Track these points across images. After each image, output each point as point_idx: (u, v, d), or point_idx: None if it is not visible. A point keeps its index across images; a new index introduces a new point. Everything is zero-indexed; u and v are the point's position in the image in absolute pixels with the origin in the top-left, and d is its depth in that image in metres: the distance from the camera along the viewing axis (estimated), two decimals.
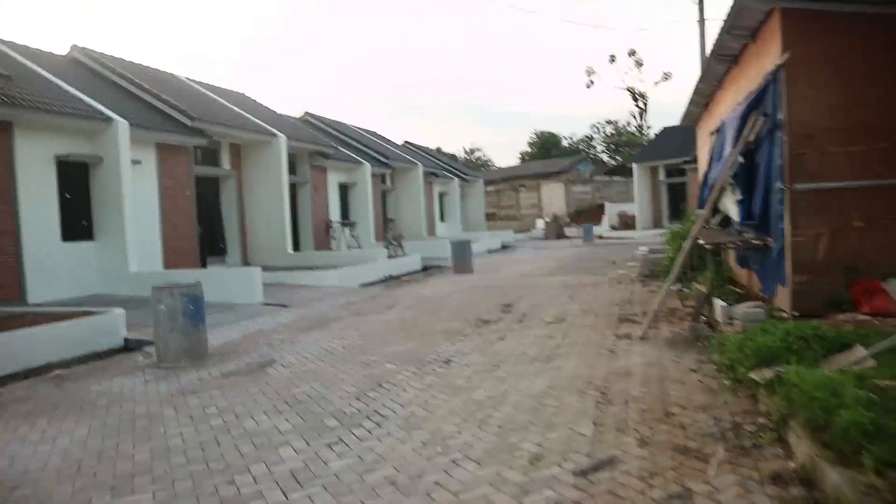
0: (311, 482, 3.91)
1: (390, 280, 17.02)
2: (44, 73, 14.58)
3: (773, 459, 3.68)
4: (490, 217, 46.40)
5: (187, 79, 21.49)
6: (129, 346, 9.01)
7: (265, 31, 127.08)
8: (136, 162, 14.52)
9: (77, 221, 13.71)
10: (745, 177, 7.60)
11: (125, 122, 13.87)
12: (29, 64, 14.79)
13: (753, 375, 4.63)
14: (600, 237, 32.73)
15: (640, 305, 9.83)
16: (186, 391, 6.31)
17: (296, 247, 21.46)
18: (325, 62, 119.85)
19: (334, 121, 30.24)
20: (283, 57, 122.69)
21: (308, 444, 4.58)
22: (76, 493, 3.99)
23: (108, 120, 13.66)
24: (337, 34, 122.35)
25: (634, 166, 36.64)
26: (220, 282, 12.89)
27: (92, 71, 17.52)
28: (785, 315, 6.28)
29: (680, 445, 4.02)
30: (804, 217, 6.37)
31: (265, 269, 17.50)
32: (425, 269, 19.96)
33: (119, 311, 9.21)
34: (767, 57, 7.07)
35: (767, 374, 4.49)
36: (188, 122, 16.17)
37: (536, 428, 4.57)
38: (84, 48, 17.89)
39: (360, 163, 25.60)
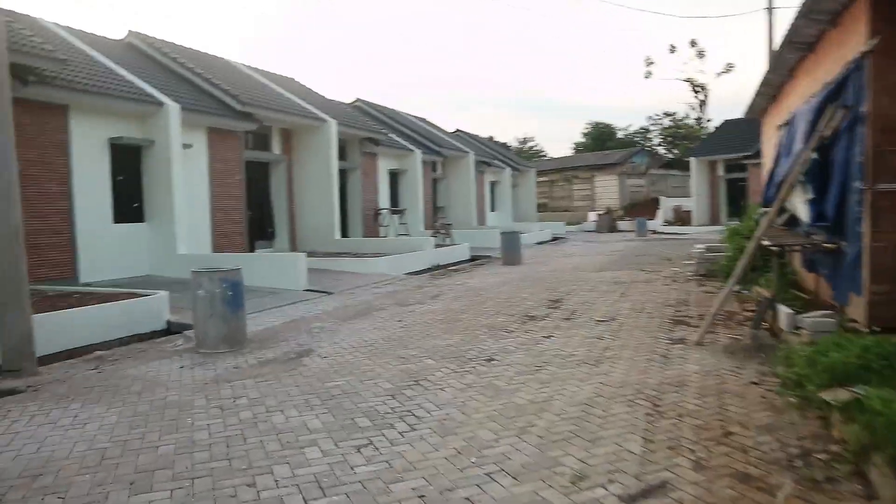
0: (334, 489, 3.67)
1: (437, 269, 16.78)
2: (100, 57, 14.77)
3: (852, 499, 3.24)
4: (541, 208, 45.73)
5: (240, 64, 21.60)
6: (172, 330, 9.01)
7: (275, 29, 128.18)
8: (186, 145, 14.60)
9: (128, 203, 13.87)
10: (818, 174, 7.02)
11: (176, 105, 13.94)
12: (86, 49, 15.00)
13: (826, 396, 4.17)
14: (654, 232, 31.80)
15: (697, 307, 9.30)
16: (220, 379, 6.17)
17: (344, 233, 21.42)
18: (373, 51, 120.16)
19: (386, 107, 30.10)
20: (311, 47, 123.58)
21: (336, 445, 4.34)
22: (94, 486, 3.84)
23: (160, 104, 13.75)
24: (381, 22, 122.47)
25: (692, 160, 35.48)
26: (265, 267, 12.87)
27: (147, 55, 17.71)
28: (860, 327, 5.73)
29: (741, 472, 3.62)
30: (886, 220, 5.79)
31: (312, 255, 17.52)
32: (473, 259, 19.66)
33: (162, 295, 9.21)
34: (849, 44, 6.46)
35: (843, 395, 4.02)
36: (238, 106, 16.20)
37: (580, 441, 4.22)
38: (140, 33, 18.10)
39: (411, 150, 25.40)
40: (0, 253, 6.44)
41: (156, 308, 9.08)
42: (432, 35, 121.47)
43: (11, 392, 6.14)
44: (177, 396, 5.64)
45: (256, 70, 21.84)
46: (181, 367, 6.77)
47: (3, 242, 6.43)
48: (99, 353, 7.73)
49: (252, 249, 17.88)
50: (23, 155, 11.67)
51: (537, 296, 11.04)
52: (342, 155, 21.56)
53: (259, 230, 18.54)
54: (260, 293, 11.85)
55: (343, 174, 21.60)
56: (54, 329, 7.80)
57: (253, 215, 18.10)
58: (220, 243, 16.12)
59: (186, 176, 14.85)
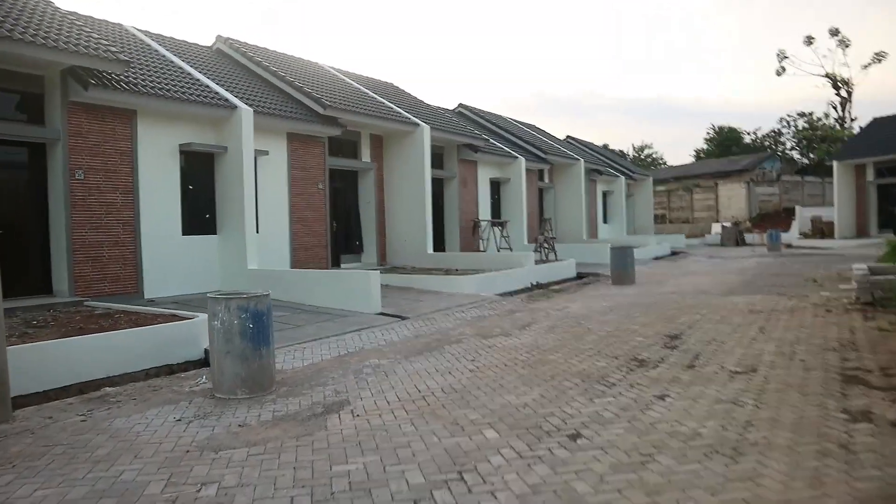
0: None
1: (536, 289, 14.85)
2: (177, 61, 14.07)
3: None
4: (659, 219, 42.42)
5: (333, 68, 20.67)
6: (209, 361, 7.69)
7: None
8: (262, 152, 13.58)
9: (199, 214, 12.97)
10: None
11: (249, 109, 12.91)
12: (166, 53, 14.38)
13: None
14: (789, 246, 28.12)
15: (873, 354, 6.85)
16: (209, 446, 4.63)
17: (440, 247, 19.91)
18: (485, 59, 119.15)
19: (489, 113, 28.48)
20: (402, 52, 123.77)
21: None
22: None
23: (233, 107, 12.76)
24: (494, 31, 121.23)
25: (835, 164, 31.39)
26: (337, 285, 11.48)
27: (232, 60, 17.05)
28: None
29: None
30: None
31: (401, 270, 16.12)
32: (580, 276, 17.54)
33: (199, 319, 7.91)
34: None
35: None
36: (321, 109, 15.06)
37: None
38: (227, 38, 17.49)
39: (515, 157, 23.57)
40: None
41: (192, 334, 7.79)
42: (545, 48, 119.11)
43: None
44: (133, 474, 4.13)
45: (350, 75, 20.85)
46: (177, 420, 5.31)
47: None
48: (108, 389, 6.49)
49: (337, 264, 16.71)
50: (86, 163, 11.01)
51: (651, 328, 8.88)
52: (439, 162, 20.10)
53: (345, 243, 17.37)
54: (326, 316, 10.44)
55: (439, 183, 20.12)
56: (72, 357, 6.67)
57: (338, 227, 16.95)
58: (300, 258, 15.01)
59: (263, 185, 13.85)
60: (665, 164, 66.17)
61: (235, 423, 5.16)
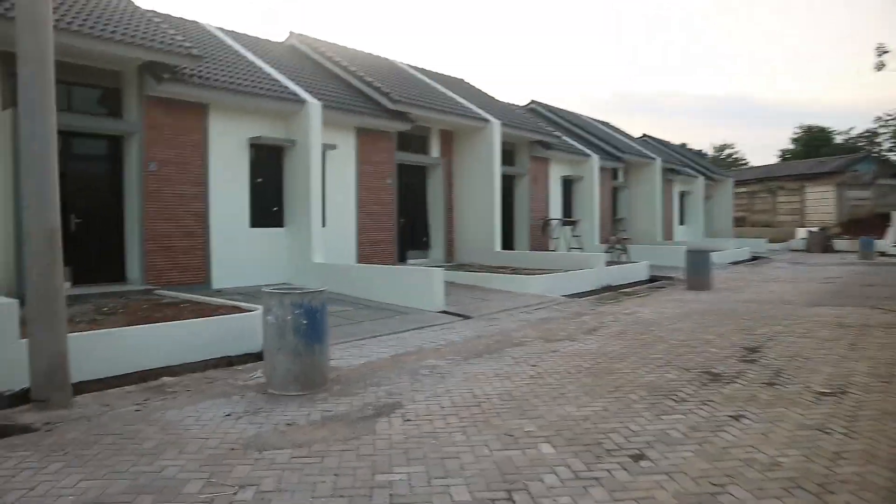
0: None
1: (606, 291, 14.31)
2: (250, 57, 14.27)
3: None
4: (739, 222, 40.63)
5: (406, 64, 20.60)
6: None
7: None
8: (330, 146, 13.60)
9: (267, 207, 13.09)
10: None
11: (317, 102, 12.93)
12: (241, 49, 14.60)
13: None
14: (882, 254, 26.31)
15: None
16: (254, 445, 4.51)
17: (509, 245, 19.57)
18: (559, 60, 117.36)
19: (563, 110, 27.86)
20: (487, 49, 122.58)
21: None
22: None
23: (301, 101, 12.80)
24: (569, 32, 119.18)
25: None
26: (400, 282, 11.33)
27: (305, 56, 17.20)
28: None
29: None
30: None
31: (468, 268, 15.88)
32: (653, 280, 16.85)
33: (261, 312, 7.87)
34: None
35: None
36: (390, 104, 14.97)
37: None
38: (300, 34, 17.67)
39: (588, 155, 22.95)
40: (31, 259, 5.34)
41: (251, 327, 7.76)
42: (621, 46, 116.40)
43: (25, 429, 4.99)
44: (175, 470, 4.04)
45: (423, 71, 20.73)
46: (227, 416, 5.23)
47: (35, 247, 5.32)
48: (166, 379, 6.51)
49: (404, 260, 16.63)
50: (160, 155, 11.26)
51: (727, 339, 8.31)
52: (509, 159, 19.75)
53: (412, 239, 17.26)
54: (387, 313, 10.31)
55: (509, 180, 19.77)
56: (133, 346, 6.76)
57: (406, 223, 16.85)
58: (367, 253, 14.98)
59: (331, 179, 13.89)
60: (746, 164, 63.43)
61: (283, 422, 5.04)
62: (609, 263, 17.23)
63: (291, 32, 17.76)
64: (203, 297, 9.64)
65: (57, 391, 5.39)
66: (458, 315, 10.37)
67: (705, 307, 11.42)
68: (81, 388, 6.31)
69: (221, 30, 15.76)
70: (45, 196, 5.36)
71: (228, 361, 7.48)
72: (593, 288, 14.64)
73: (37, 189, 5.33)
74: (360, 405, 5.47)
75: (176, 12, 15.29)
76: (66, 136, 10.66)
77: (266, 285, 12.31)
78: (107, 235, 11.09)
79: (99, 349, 6.62)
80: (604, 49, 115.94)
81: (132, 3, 12.27)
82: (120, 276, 11.18)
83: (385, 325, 9.35)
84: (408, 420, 5.03)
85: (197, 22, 15.59)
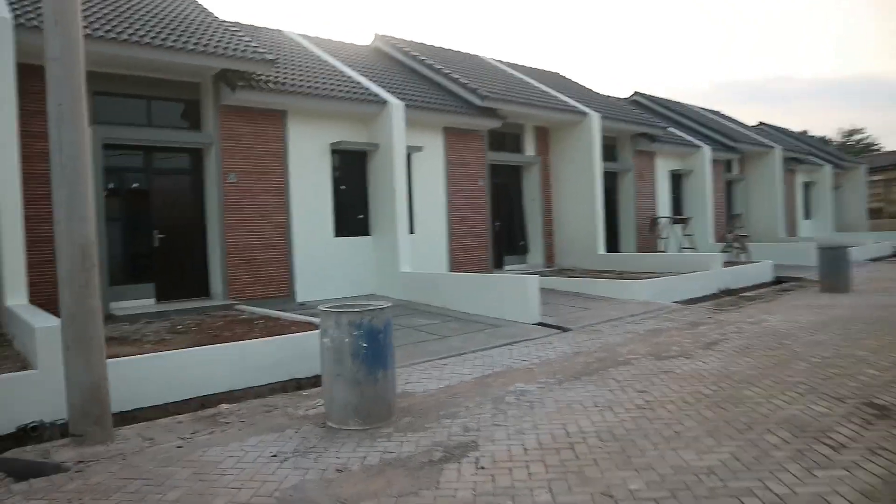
0: None
1: (724, 296, 12.73)
2: (330, 60, 13.84)
3: None
4: (875, 214, 36.61)
5: (495, 60, 19.66)
6: None
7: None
8: (416, 148, 12.87)
9: (352, 215, 12.52)
10: None
11: (399, 103, 12.23)
12: (321, 54, 14.21)
13: None
14: None
15: None
16: (293, 499, 3.69)
17: (613, 247, 18.17)
18: (660, 51, 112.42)
19: (667, 100, 25.96)
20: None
21: None
22: None
23: (382, 102, 12.15)
24: (671, 22, 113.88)
25: None
26: (491, 291, 10.36)
27: (390, 58, 16.64)
28: None
29: None
30: None
31: (569, 273, 14.72)
32: (778, 281, 14.97)
33: None
34: None
35: None
36: (478, 101, 14.07)
37: None
38: (385, 36, 17.14)
39: (698, 146, 21.10)
40: (62, 279, 4.81)
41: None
42: (726, 33, 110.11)
43: (55, 469, 4.45)
44: None
45: (513, 66, 19.73)
46: (272, 456, 4.46)
47: (67, 264, 4.79)
48: (223, 407, 5.88)
49: (500, 266, 15.67)
50: (238, 166, 10.91)
51: (886, 355, 6.75)
52: (611, 155, 18.37)
53: (509, 244, 16.27)
54: (477, 326, 9.37)
55: (612, 177, 18.37)
56: (186, 371, 6.23)
57: (501, 226, 15.89)
58: (460, 259, 14.14)
59: (418, 183, 13.19)
60: (879, 149, 57.66)
61: (334, 467, 4.20)
62: (727, 264, 15.49)
63: (376, 35, 17.28)
64: (280, 313, 9.08)
65: (93, 426, 4.82)
66: (556, 327, 9.27)
67: (848, 314, 9.70)
68: (135, 415, 5.89)
69: (304, 37, 15.47)
70: (77, 207, 4.82)
71: (297, 384, 6.81)
72: (709, 292, 13.06)
73: (67, 200, 4.80)
74: (427, 445, 4.55)
75: (266, 24, 15.08)
76: (147, 150, 10.52)
77: (352, 297, 11.78)
78: (190, 250, 10.85)
79: (155, 373, 6.12)
80: (696, 37, 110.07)
81: (205, 11, 12.06)
82: (204, 291, 10.90)
83: (472, 340, 8.41)
84: (481, 468, 4.05)
85: (280, 31, 15.37)
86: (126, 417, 5.90)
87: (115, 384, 5.79)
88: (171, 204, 10.78)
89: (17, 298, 8.09)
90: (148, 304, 10.24)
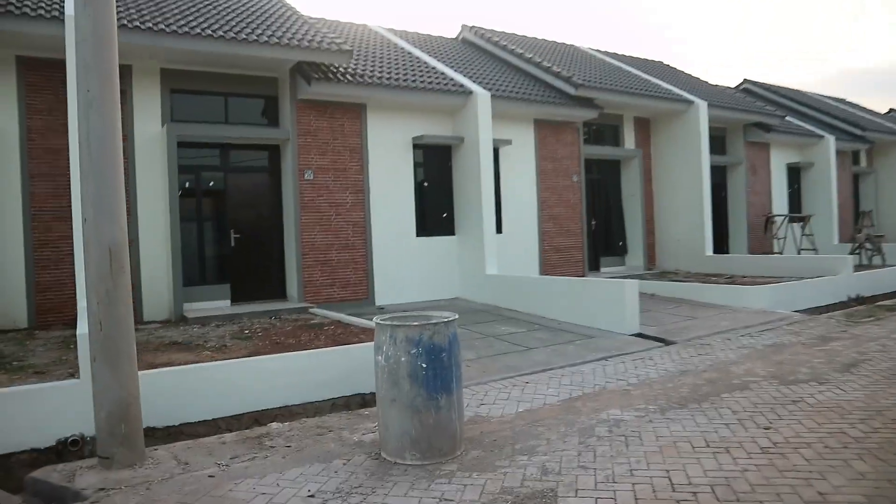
0: None
1: (856, 305, 11.11)
2: (413, 51, 13.22)
3: None
4: None
5: (592, 49, 18.45)
6: None
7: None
8: (504, 141, 12.02)
9: (435, 213, 11.83)
10: None
11: (486, 92, 11.42)
12: (404, 45, 13.63)
13: None
14: None
15: None
16: None
17: (721, 248, 16.60)
18: (773, 39, 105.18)
19: (784, 87, 23.76)
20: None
21: None
22: None
23: (468, 93, 11.37)
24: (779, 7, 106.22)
25: None
26: (584, 296, 9.36)
27: (478, 49, 15.88)
28: None
29: None
30: None
31: (672, 277, 13.46)
32: None
33: None
34: None
35: None
36: (572, 90, 13.03)
37: None
38: (473, 27, 16.36)
39: (819, 136, 19.03)
40: (89, 283, 4.31)
41: None
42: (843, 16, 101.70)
43: (75, 497, 3.96)
44: None
45: (611, 55, 18.46)
46: (309, 496, 3.75)
47: (94, 267, 4.28)
48: (274, 426, 5.27)
49: (596, 269, 14.55)
50: (315, 162, 10.42)
51: None
52: (720, 147, 16.83)
53: (606, 244, 15.10)
54: (567, 336, 8.41)
55: (720, 171, 16.80)
56: (237, 383, 5.70)
57: (597, 225, 14.76)
58: (552, 261, 13.16)
59: (507, 178, 12.35)
60: None
61: None
62: (858, 268, 13.67)
63: (463, 25, 16.54)
64: (352, 318, 8.48)
65: (121, 447, 4.29)
66: (657, 339, 8.16)
67: None
68: (181, 431, 5.46)
69: (390, 31, 14.93)
70: (105, 204, 4.30)
71: (361, 401, 6.15)
72: (838, 300, 11.48)
73: (94, 196, 4.30)
74: (494, 492, 3.70)
75: (352, 20, 14.68)
76: (223, 148, 10.23)
77: (435, 301, 11.08)
78: (267, 251, 10.48)
79: (205, 385, 5.61)
80: (807, 23, 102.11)
81: (283, 4, 11.66)
82: (280, 293, 10.51)
83: (561, 353, 7.46)
84: None
85: (366, 25, 14.90)
86: (171, 433, 5.43)
87: (162, 396, 5.36)
88: (247, 203, 10.44)
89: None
90: (223, 305, 9.92)
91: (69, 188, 6.98)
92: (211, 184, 10.21)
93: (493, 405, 5.54)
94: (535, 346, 7.79)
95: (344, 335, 7.43)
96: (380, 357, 4.34)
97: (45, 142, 8.72)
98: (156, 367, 5.95)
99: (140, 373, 5.56)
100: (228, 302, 10.06)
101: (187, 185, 9.97)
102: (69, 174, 6.80)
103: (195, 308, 9.62)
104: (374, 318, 4.59)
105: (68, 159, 6.86)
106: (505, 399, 5.70)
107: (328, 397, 6.04)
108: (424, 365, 4.20)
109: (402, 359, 4.21)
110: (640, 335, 8.42)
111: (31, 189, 8.63)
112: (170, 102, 9.72)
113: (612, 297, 8.85)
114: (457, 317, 4.46)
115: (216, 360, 6.10)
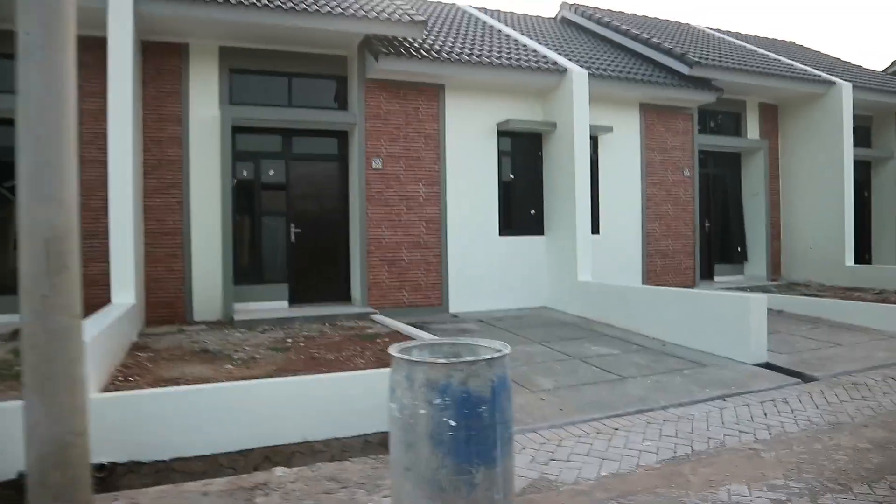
0: None
1: None
2: (500, 27, 11.86)
3: None
4: None
5: (709, 28, 16.34)
6: None
7: None
8: (604, 129, 10.45)
9: (522, 210, 10.44)
10: None
11: (583, 71, 9.87)
12: (492, 22, 12.29)
13: None
14: None
15: None
16: None
17: (863, 257, 14.16)
18: None
19: None
20: None
21: None
22: None
23: (562, 71, 9.88)
24: None
25: None
26: (694, 312, 7.64)
27: (577, 27, 14.32)
28: None
29: None
30: None
31: (803, 289, 11.39)
32: None
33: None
34: None
35: None
36: (686, 69, 11.21)
37: None
38: (573, 4, 14.74)
39: None
40: (23, 284, 3.26)
41: None
42: None
43: None
44: None
45: (732, 34, 16.28)
46: None
47: (29, 264, 3.22)
48: (279, 472, 4.12)
49: (710, 277, 12.63)
50: (383, 149, 9.26)
51: None
52: (864, 139, 14.36)
53: (721, 250, 13.11)
54: (672, 362, 6.79)
55: (863, 168, 14.34)
56: (245, 410, 4.59)
57: (712, 228, 12.82)
58: (656, 268, 11.43)
59: (606, 171, 10.82)
60: None
61: None
62: None
63: (563, 3, 14.95)
64: (412, 329, 7.24)
65: (53, 502, 3.21)
66: (792, 373, 6.38)
67: None
68: (173, 468, 4.48)
69: (481, 10, 13.62)
70: (42, 183, 3.23)
71: (381, 442, 4.85)
72: None
73: (31, 173, 3.24)
74: None
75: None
76: (285, 133, 9.29)
77: (520, 309, 9.71)
78: (330, 248, 9.47)
79: (207, 411, 4.51)
80: None
81: None
82: (345, 295, 9.45)
83: (664, 387, 5.87)
84: None
85: (454, 4, 13.68)
86: (160, 470, 4.36)
87: (154, 424, 4.34)
88: (310, 194, 9.46)
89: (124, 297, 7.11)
90: (280, 307, 8.98)
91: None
92: (271, 172, 9.28)
93: (566, 463, 4.10)
94: (631, 375, 6.23)
95: (347, 358, 6.17)
96: (393, 405, 3.03)
97: None
98: (162, 384, 4.96)
99: (127, 394, 4.61)
100: (286, 303, 9.10)
101: (245, 173, 9.09)
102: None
103: (249, 309, 8.72)
104: (391, 349, 3.25)
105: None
106: (584, 455, 4.25)
107: (359, 433, 4.80)
108: (454, 422, 2.84)
109: (421, 411, 2.88)
110: (768, 365, 6.66)
111: None
112: (228, 83, 8.88)
113: (732, 315, 7.09)
114: (507, 352, 3.07)
115: (226, 380, 5.03)
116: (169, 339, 7.15)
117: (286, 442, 4.64)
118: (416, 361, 2.93)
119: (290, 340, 6.93)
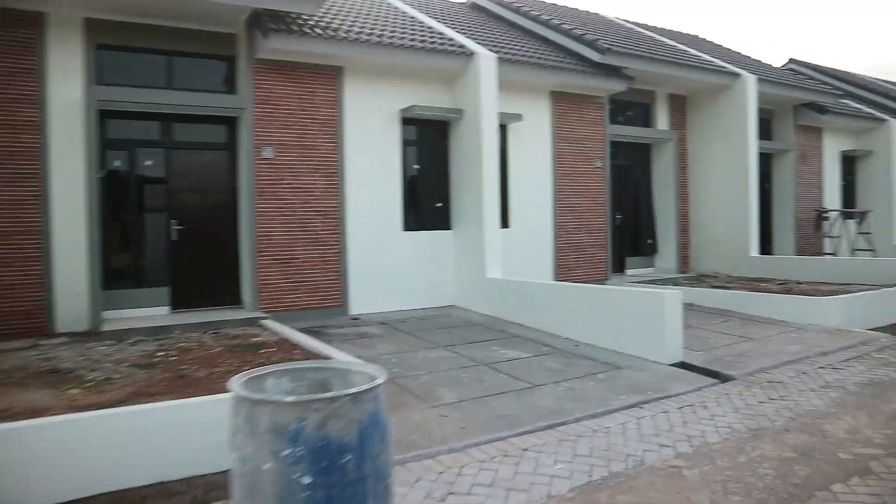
0: None
1: None
2: (409, 10, 11.22)
3: None
4: None
5: (620, 19, 16.26)
6: None
7: None
8: (513, 116, 9.98)
9: (427, 203, 9.84)
10: None
11: (491, 54, 9.40)
12: (399, 5, 11.61)
13: None
14: None
15: None
16: None
17: (765, 247, 14.40)
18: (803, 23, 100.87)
19: (834, 69, 21.28)
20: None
21: None
22: None
23: (468, 54, 9.33)
24: None
25: None
26: (609, 310, 7.25)
27: (489, 14, 13.95)
28: None
29: None
30: None
31: (712, 281, 11.33)
32: None
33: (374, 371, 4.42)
34: None
35: None
36: (597, 56, 10.90)
37: None
38: None
39: (882, 119, 16.68)
40: None
41: None
42: None
43: None
44: None
45: (641, 25, 16.25)
46: None
47: None
48: None
49: (621, 270, 12.45)
50: (275, 137, 8.38)
51: None
52: (765, 131, 14.60)
53: (632, 242, 12.97)
54: (586, 365, 6.35)
55: (764, 160, 14.53)
56: (82, 449, 3.77)
57: (623, 220, 12.63)
58: (568, 262, 11.10)
59: (516, 162, 10.35)
60: None
61: None
62: None
63: None
64: (302, 338, 6.50)
65: None
66: (709, 373, 6.06)
67: None
68: None
69: None
70: None
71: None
72: None
73: None
74: None
75: None
76: (165, 119, 8.29)
77: (425, 310, 9.12)
78: (217, 246, 8.55)
79: (28, 455, 3.64)
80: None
81: None
82: (234, 298, 8.57)
83: (578, 395, 5.39)
84: None
85: None
86: None
87: None
88: (195, 187, 8.51)
89: None
90: (159, 313, 8.02)
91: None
92: (148, 163, 8.27)
93: (467, 498, 3.52)
94: (542, 382, 5.73)
95: (284, 362, 5.45)
96: (234, 455, 2.34)
97: None
98: None
99: None
100: (168, 309, 8.15)
101: (118, 163, 8.05)
102: None
103: (123, 317, 7.73)
104: (232, 381, 2.55)
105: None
106: (487, 485, 3.67)
107: (211, 471, 4.05)
108: (308, 479, 2.18)
109: (266, 465, 2.20)
110: (683, 364, 6.33)
111: None
112: (96, 61, 7.80)
113: (647, 313, 6.73)
114: (382, 381, 2.44)
115: (67, 409, 4.17)
116: (15, 357, 6.11)
117: (135, 485, 3.84)
118: (257, 400, 2.25)
119: (161, 354, 6.05)
